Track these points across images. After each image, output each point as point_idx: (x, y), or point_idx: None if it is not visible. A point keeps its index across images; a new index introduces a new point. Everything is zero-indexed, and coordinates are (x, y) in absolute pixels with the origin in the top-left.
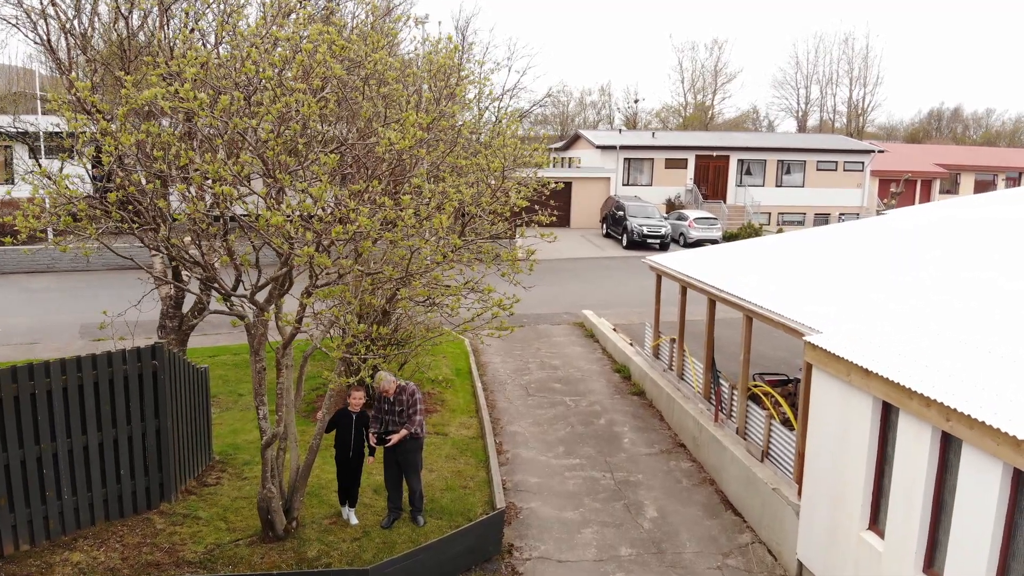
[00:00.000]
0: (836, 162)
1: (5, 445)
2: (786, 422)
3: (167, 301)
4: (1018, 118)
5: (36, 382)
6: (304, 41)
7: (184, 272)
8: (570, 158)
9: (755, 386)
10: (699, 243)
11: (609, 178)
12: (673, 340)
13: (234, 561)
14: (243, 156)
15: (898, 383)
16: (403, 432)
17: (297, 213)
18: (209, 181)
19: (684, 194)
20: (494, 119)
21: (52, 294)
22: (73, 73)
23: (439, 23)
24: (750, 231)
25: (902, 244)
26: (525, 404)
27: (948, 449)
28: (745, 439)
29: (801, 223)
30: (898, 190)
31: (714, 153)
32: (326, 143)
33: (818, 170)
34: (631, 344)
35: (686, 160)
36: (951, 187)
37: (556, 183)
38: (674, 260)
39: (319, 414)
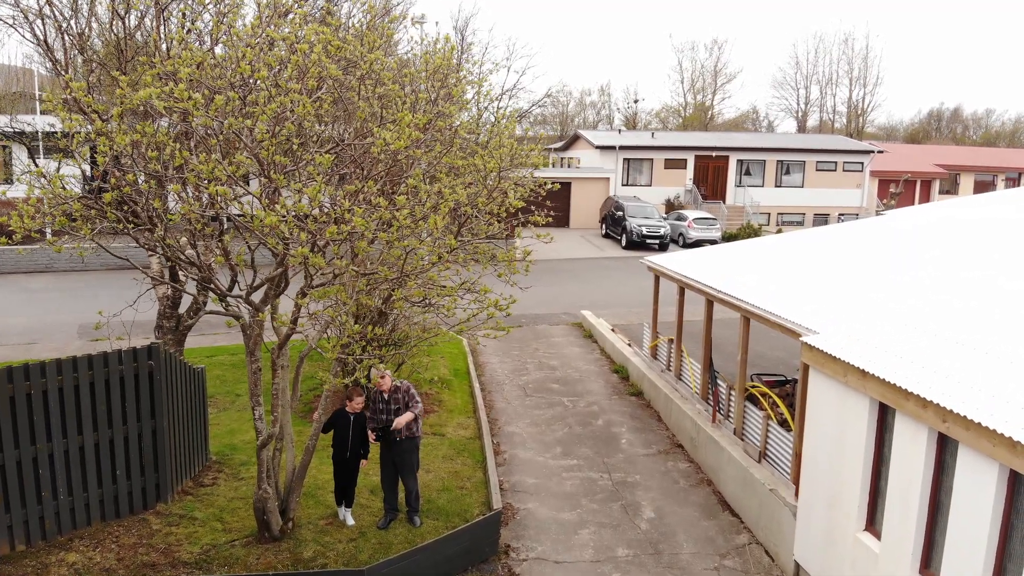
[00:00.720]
0: (835, 162)
1: (1, 445)
2: (783, 423)
3: (164, 301)
4: (1018, 118)
5: (33, 382)
6: (300, 41)
7: (181, 272)
8: (569, 158)
9: (753, 387)
10: (698, 243)
11: (608, 178)
12: (671, 340)
13: (230, 562)
14: (238, 156)
15: (894, 384)
16: (408, 416)
17: (292, 213)
18: (205, 181)
19: (683, 194)
20: (492, 119)
21: (50, 294)
22: (69, 73)
23: (436, 23)
24: (749, 231)
25: (901, 244)
26: (523, 405)
27: (944, 450)
28: (743, 440)
29: (800, 223)
30: (897, 190)
31: (713, 153)
32: (322, 143)
33: (817, 170)
34: (629, 344)
35: (685, 160)
36: (951, 187)
37: (553, 183)
38: (672, 260)
39: (315, 415)
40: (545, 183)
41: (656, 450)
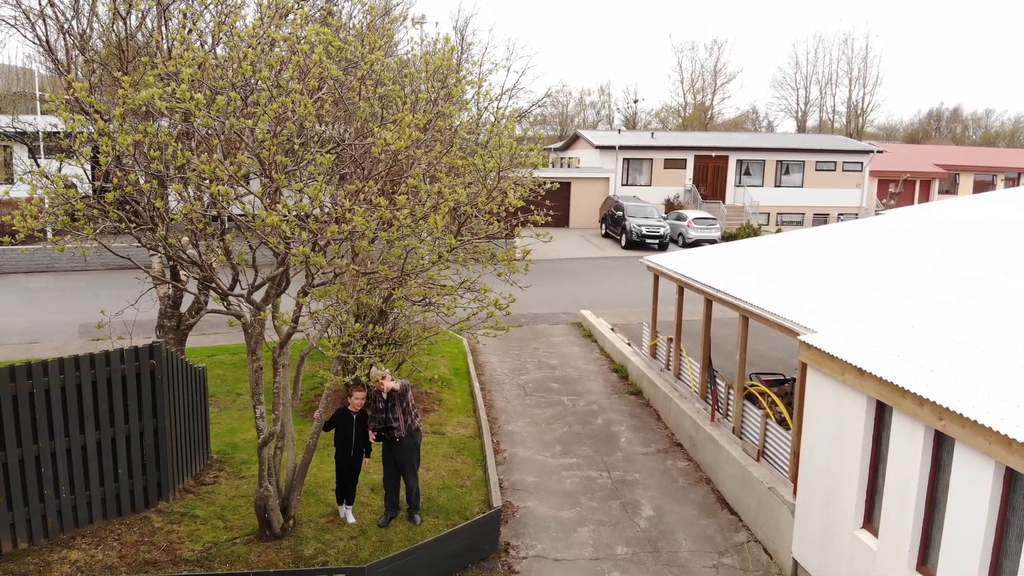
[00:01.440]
0: (835, 162)
1: (4, 444)
2: (782, 421)
3: (165, 301)
4: (1017, 118)
5: (35, 381)
6: (301, 42)
7: (182, 272)
8: (569, 158)
9: (751, 386)
10: (698, 243)
11: (608, 178)
12: (670, 340)
13: (231, 559)
14: (240, 156)
15: (891, 382)
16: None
17: (293, 213)
18: (206, 181)
19: (683, 194)
20: (492, 119)
21: (51, 293)
22: (71, 73)
23: (436, 23)
24: (749, 231)
25: (900, 244)
26: (523, 403)
27: (941, 448)
28: (741, 438)
29: (800, 223)
30: (897, 190)
31: (713, 153)
32: (323, 143)
33: (817, 170)
34: (629, 344)
35: (685, 160)
36: (950, 187)
37: (552, 183)
38: (672, 260)
39: (316, 413)
40: (545, 183)
41: (655, 449)
